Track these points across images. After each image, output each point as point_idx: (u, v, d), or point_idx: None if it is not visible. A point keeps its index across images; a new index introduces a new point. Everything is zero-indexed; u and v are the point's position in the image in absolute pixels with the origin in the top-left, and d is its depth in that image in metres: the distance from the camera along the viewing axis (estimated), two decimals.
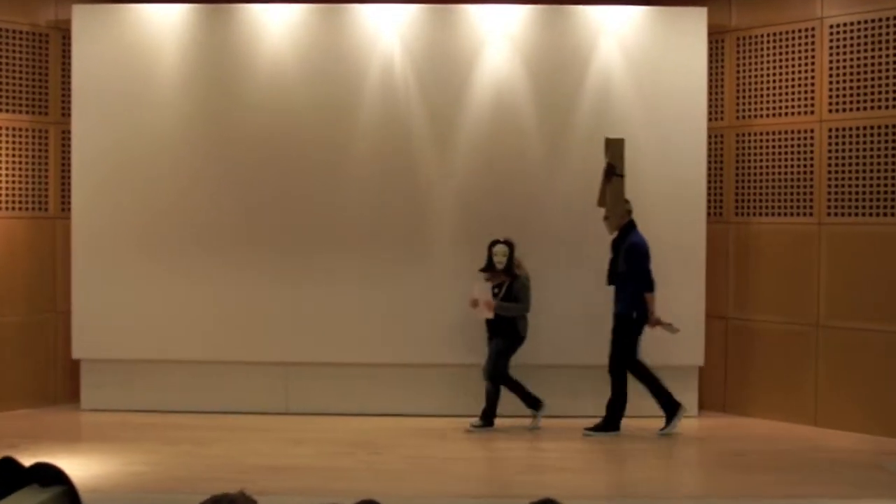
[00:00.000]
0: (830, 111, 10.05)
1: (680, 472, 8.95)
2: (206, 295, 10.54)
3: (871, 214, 9.81)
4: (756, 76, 10.63)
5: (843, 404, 10.02)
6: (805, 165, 10.25)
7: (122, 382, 10.58)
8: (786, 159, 10.40)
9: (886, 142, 9.69)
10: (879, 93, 9.75)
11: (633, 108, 10.52)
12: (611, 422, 9.79)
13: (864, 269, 9.89)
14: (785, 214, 10.41)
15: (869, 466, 8.73)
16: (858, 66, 9.87)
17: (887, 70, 9.69)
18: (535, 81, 10.54)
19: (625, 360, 9.74)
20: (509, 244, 9.88)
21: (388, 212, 10.53)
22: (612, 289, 9.78)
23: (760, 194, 10.61)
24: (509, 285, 9.88)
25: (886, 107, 9.69)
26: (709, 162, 10.65)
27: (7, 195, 10.62)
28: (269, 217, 10.55)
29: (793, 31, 10.33)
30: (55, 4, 10.86)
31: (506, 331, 9.87)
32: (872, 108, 9.78)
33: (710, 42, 10.60)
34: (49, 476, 3.17)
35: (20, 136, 10.68)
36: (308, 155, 10.53)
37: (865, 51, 9.82)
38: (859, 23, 9.86)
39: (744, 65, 10.72)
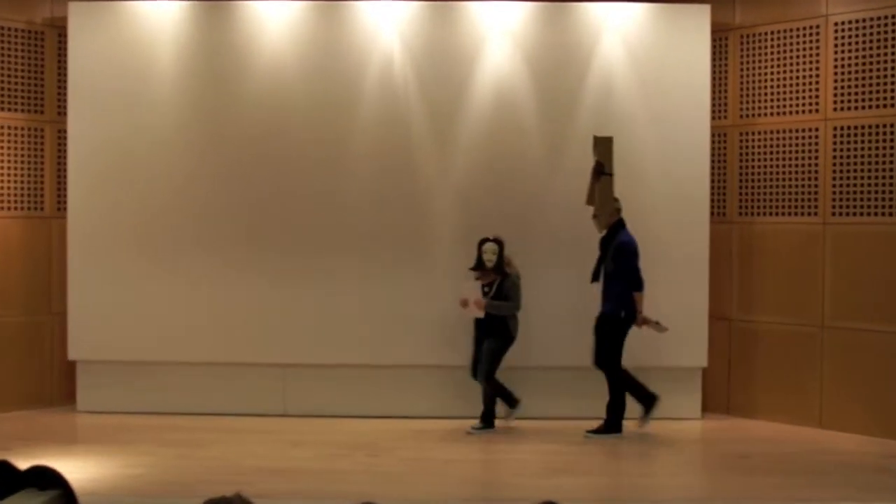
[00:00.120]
0: (835, 110, 9.99)
1: (683, 475, 8.85)
2: (203, 295, 10.48)
3: (876, 214, 9.75)
4: (760, 74, 10.56)
5: (849, 406, 9.95)
6: (810, 165, 10.18)
7: (119, 384, 10.52)
8: (790, 158, 10.33)
9: (892, 140, 9.62)
10: (885, 91, 9.67)
11: (636, 107, 10.45)
12: (612, 424, 9.73)
13: (869, 269, 9.82)
14: (789, 214, 10.35)
15: (875, 469, 8.69)
16: (864, 64, 9.81)
17: (893, 68, 9.62)
18: (536, 79, 10.47)
19: (617, 361, 9.71)
20: (499, 242, 9.82)
21: (387, 211, 10.47)
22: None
23: (764, 194, 10.54)
24: (500, 284, 9.82)
25: (892, 105, 9.62)
26: (712, 161, 10.57)
27: (2, 195, 10.55)
28: (267, 216, 10.48)
29: (797, 29, 10.26)
30: (51, 2, 10.79)
31: (497, 330, 9.81)
32: (878, 106, 9.71)
33: (713, 39, 10.54)
34: (46, 479, 3.17)
35: (15, 134, 10.61)
36: (306, 153, 10.47)
37: (871, 49, 9.75)
38: (864, 20, 9.80)
39: (747, 63, 10.65)
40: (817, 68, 10.11)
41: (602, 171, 9.55)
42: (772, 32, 10.45)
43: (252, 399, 10.49)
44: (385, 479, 8.24)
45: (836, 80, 9.98)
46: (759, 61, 10.55)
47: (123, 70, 10.48)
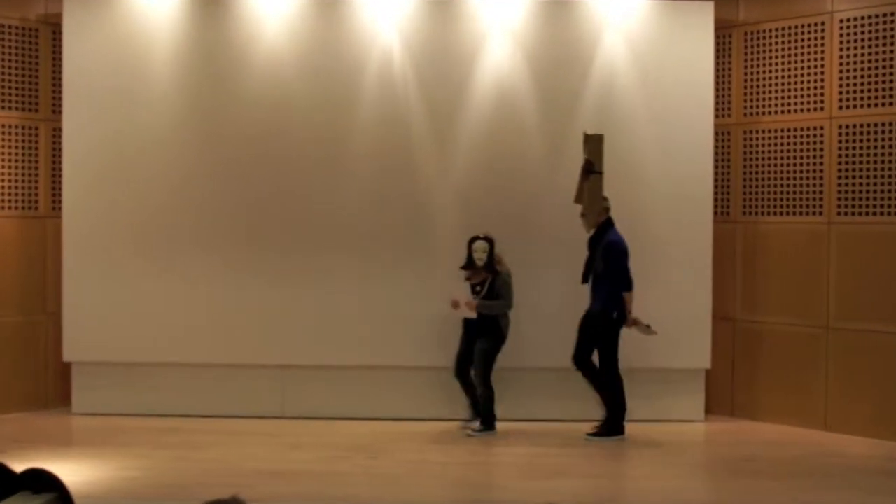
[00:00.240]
0: (840, 108, 9.93)
1: (686, 478, 8.79)
2: (200, 296, 10.41)
3: (882, 213, 9.70)
4: (764, 72, 10.51)
5: (855, 408, 9.89)
6: (814, 163, 10.12)
7: (115, 385, 10.45)
8: (795, 157, 10.27)
9: None
10: (891, 89, 9.61)
11: (638, 105, 10.40)
12: (614, 426, 9.66)
13: (875, 269, 9.76)
14: (794, 213, 10.30)
15: (881, 472, 8.67)
16: (869, 61, 9.75)
17: None
18: (537, 77, 10.42)
19: (612, 361, 9.65)
20: (489, 240, 9.79)
21: (386, 211, 10.41)
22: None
23: (768, 193, 10.49)
24: (491, 282, 9.79)
25: None
26: (716, 160, 10.54)
27: None
28: (265, 216, 10.42)
29: (802, 26, 10.21)
30: None
31: (489, 330, 9.77)
32: (884, 104, 9.66)
33: (717, 37, 10.50)
34: (42, 482, 3.11)
35: (9, 133, 10.53)
36: (305, 152, 10.41)
37: (876, 46, 9.69)
38: (870, 17, 9.74)
39: (751, 60, 10.60)
40: (822, 66, 10.05)
41: (592, 169, 9.52)
42: (776, 29, 10.39)
43: (250, 400, 10.42)
44: (384, 481, 8.22)
45: (841, 78, 9.92)
46: (764, 58, 10.50)
47: (119, 67, 10.40)
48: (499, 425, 9.82)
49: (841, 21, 9.91)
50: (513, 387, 10.09)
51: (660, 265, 10.12)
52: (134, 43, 10.41)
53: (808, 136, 10.16)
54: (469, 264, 9.84)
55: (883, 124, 9.64)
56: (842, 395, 9.98)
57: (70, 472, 7.50)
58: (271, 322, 10.37)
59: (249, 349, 10.39)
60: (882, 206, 9.68)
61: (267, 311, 10.37)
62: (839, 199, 9.94)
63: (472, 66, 10.40)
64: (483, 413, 9.84)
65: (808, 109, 10.15)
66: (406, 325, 10.34)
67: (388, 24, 10.39)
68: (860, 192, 9.81)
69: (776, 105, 10.41)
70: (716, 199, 10.55)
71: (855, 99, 9.83)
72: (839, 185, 9.93)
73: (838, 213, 9.95)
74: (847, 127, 9.87)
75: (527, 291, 10.01)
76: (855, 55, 9.83)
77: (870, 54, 9.73)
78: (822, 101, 10.06)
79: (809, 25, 10.14)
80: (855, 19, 9.82)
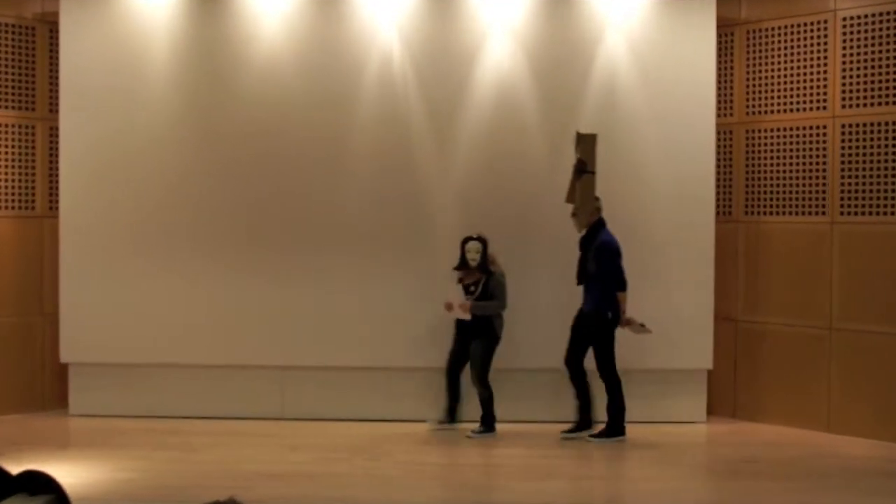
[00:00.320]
0: (843, 107, 9.89)
1: (687, 480, 8.76)
2: (198, 296, 10.38)
3: (885, 213, 9.65)
4: (766, 70, 10.47)
5: (857, 410, 9.86)
6: (817, 163, 10.07)
7: (112, 387, 10.42)
8: (797, 156, 10.23)
9: None
10: (894, 87, 9.57)
11: (640, 104, 10.37)
12: (615, 426, 9.64)
13: (878, 269, 9.72)
14: (796, 213, 10.26)
15: (883, 474, 8.65)
16: (872, 60, 9.71)
17: None
18: (538, 76, 10.38)
19: (611, 361, 9.61)
20: (482, 240, 9.79)
21: (386, 210, 10.38)
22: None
23: (771, 193, 10.46)
24: (485, 283, 9.78)
25: None
26: (718, 159, 10.51)
27: None
28: (263, 215, 10.39)
29: (805, 24, 10.17)
30: None
31: (483, 331, 9.78)
32: (887, 103, 9.61)
33: (719, 35, 10.47)
34: (38, 484, 3.13)
35: (6, 132, 10.49)
36: (304, 151, 10.37)
37: (880, 44, 9.65)
38: (873, 15, 9.70)
39: (754, 59, 10.56)
40: (825, 64, 10.01)
41: (584, 168, 9.51)
42: (779, 28, 10.35)
43: (249, 402, 10.38)
44: (383, 482, 8.23)
45: (844, 77, 9.88)
46: (766, 57, 10.46)
47: (117, 66, 10.37)
48: (501, 427, 9.80)
49: (844, 19, 9.87)
50: (513, 387, 10.05)
51: (661, 265, 10.11)
52: (131, 41, 10.37)
53: (810, 135, 10.11)
54: (462, 265, 9.83)
55: (886, 123, 9.60)
56: (845, 397, 9.94)
57: (67, 473, 7.62)
58: (270, 322, 10.34)
59: (248, 350, 10.36)
60: (885, 205, 9.63)
61: (266, 312, 10.34)
62: (842, 198, 9.90)
63: (472, 64, 10.36)
64: (483, 414, 9.81)
65: (811, 108, 10.11)
66: (406, 325, 10.30)
67: (388, 23, 10.35)
68: (863, 191, 9.76)
69: (779, 104, 10.37)
70: (718, 199, 10.51)
71: (858, 98, 9.79)
72: (842, 184, 9.89)
73: (841, 213, 9.91)
74: (850, 126, 9.83)
75: (527, 291, 10.01)
76: (858, 54, 9.78)
77: (873, 53, 9.69)
78: (825, 100, 10.01)
79: (812, 24, 10.10)
80: (858, 17, 9.78)
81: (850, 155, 9.84)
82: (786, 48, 10.31)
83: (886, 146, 9.60)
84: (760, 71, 10.51)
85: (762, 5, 10.49)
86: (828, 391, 10.03)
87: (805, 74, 10.16)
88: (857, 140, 9.79)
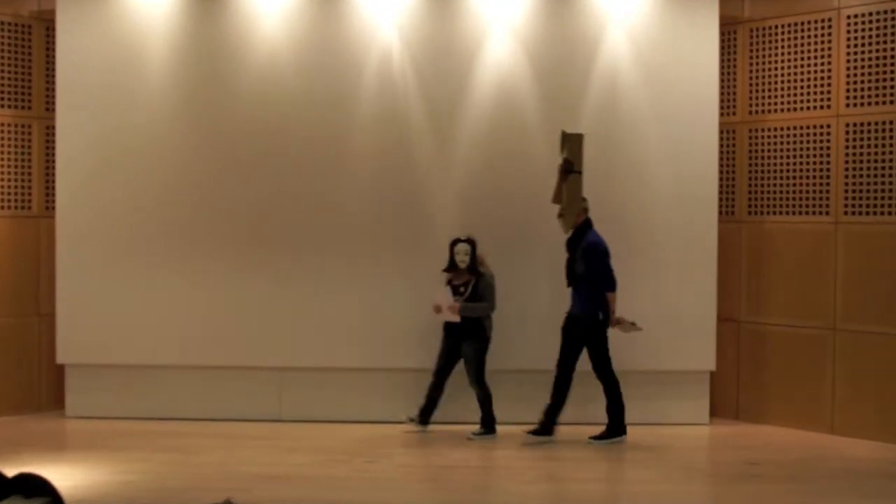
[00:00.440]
0: (847, 105, 9.86)
1: (690, 482, 8.70)
2: (196, 297, 10.36)
3: (890, 213, 9.62)
4: (770, 69, 10.45)
5: (861, 411, 9.83)
6: (821, 162, 10.05)
7: (109, 388, 10.41)
8: (801, 156, 10.20)
9: None
10: None
11: (642, 103, 10.35)
12: (615, 427, 9.62)
13: (882, 269, 9.69)
14: (800, 213, 10.23)
15: (887, 476, 8.63)
16: (877, 58, 9.67)
17: None
18: (539, 74, 10.36)
19: (606, 361, 9.57)
20: (471, 242, 9.80)
21: (385, 210, 10.37)
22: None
23: (774, 192, 10.43)
24: (475, 284, 9.78)
25: None
26: (721, 159, 10.50)
27: None
28: (262, 215, 10.37)
29: (808, 23, 10.15)
30: None
31: (473, 333, 9.78)
32: (891, 102, 9.58)
33: (721, 33, 10.44)
34: (34, 486, 3.16)
35: (2, 131, 10.48)
36: (303, 151, 10.35)
37: (884, 42, 9.62)
38: (878, 13, 9.67)
39: (757, 57, 10.54)
40: (829, 63, 9.99)
41: (571, 168, 9.49)
42: (782, 26, 10.33)
43: (247, 404, 10.36)
44: (382, 485, 8.23)
45: (848, 75, 9.85)
46: (769, 56, 10.44)
47: (114, 64, 10.36)
48: (501, 428, 9.77)
49: (848, 17, 9.84)
50: (513, 388, 10.00)
51: (664, 265, 10.11)
52: (128, 39, 10.35)
53: (814, 134, 10.09)
54: (451, 266, 9.83)
55: (891, 122, 9.56)
56: (848, 398, 9.91)
57: (64, 476, 7.64)
58: (268, 323, 10.32)
59: (246, 351, 10.34)
60: (890, 205, 9.60)
61: (264, 313, 10.33)
62: (846, 198, 9.87)
63: (472, 63, 10.34)
64: (482, 416, 9.80)
65: (815, 107, 10.08)
66: (405, 326, 10.28)
67: (388, 21, 10.32)
68: (867, 191, 9.73)
69: (782, 103, 10.34)
70: (721, 199, 10.50)
71: (862, 97, 9.76)
72: (846, 184, 9.86)
73: (845, 213, 9.88)
74: (854, 125, 9.80)
75: (527, 291, 10.01)
76: (862, 52, 9.75)
77: (877, 51, 9.65)
78: (828, 99, 9.99)
79: (816, 22, 10.08)
80: (862, 15, 9.75)
81: (854, 154, 9.80)
82: (789, 46, 10.28)
83: (891, 145, 9.57)
84: (764, 70, 10.48)
85: (766, 3, 10.46)
86: (832, 393, 9.99)
87: (809, 73, 10.14)
88: (862, 139, 9.75)
